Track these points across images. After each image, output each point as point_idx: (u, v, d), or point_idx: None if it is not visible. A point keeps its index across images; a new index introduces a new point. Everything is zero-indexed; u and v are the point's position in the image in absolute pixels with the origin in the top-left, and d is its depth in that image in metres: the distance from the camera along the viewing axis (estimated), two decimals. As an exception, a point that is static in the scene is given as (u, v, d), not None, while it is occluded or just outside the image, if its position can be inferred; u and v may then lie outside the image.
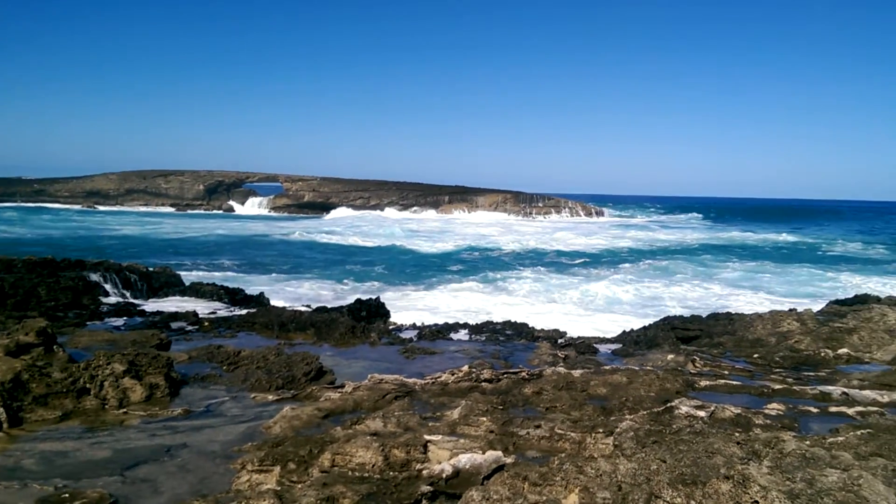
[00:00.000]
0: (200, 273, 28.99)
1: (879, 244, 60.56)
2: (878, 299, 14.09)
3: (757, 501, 3.24)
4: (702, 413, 5.33)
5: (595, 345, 10.78)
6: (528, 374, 7.20)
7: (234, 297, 14.76)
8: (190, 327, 10.70)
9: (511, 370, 7.44)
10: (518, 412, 5.99)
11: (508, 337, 11.55)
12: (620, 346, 10.90)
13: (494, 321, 13.36)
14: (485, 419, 5.50)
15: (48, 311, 10.78)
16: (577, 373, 7.22)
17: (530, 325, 13.02)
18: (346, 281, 30.48)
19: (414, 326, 12.50)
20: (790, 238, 64.79)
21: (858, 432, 4.32)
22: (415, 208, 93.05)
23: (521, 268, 37.80)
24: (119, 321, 10.90)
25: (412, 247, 49.62)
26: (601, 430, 5.21)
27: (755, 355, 9.40)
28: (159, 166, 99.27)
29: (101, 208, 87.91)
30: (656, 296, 27.89)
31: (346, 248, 47.87)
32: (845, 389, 6.86)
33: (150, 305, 12.98)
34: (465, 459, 4.57)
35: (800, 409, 6.14)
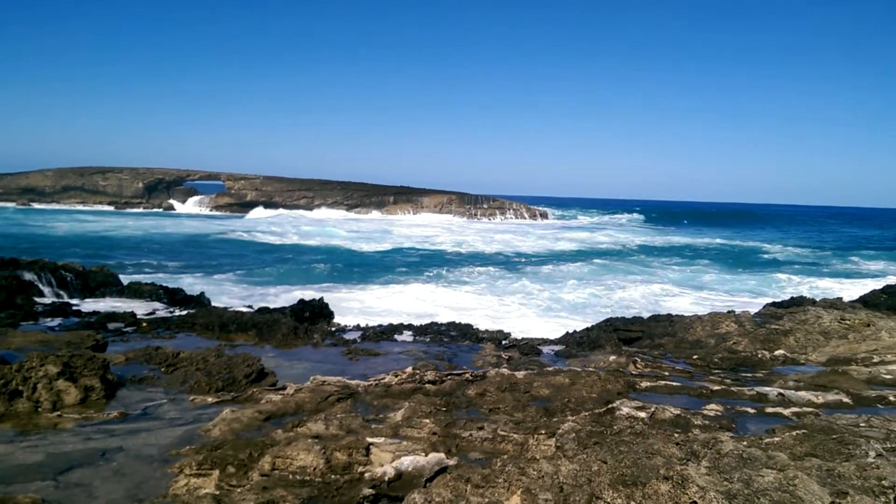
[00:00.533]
0: (140, 274, 28.30)
1: (817, 248, 62.71)
2: (813, 301, 14.55)
3: (695, 502, 3.30)
4: (642, 414, 5.41)
5: (538, 346, 10.87)
6: (471, 375, 7.21)
7: (174, 297, 14.44)
8: (127, 328, 10.42)
9: (455, 371, 7.44)
10: (461, 414, 6.00)
11: (453, 338, 11.56)
12: (563, 347, 11.01)
13: (439, 322, 13.35)
14: (428, 421, 5.49)
15: (-23, 310, 10.36)
16: (520, 374, 7.26)
17: (475, 327, 13.06)
18: (289, 281, 30.13)
19: (358, 328, 12.41)
20: (730, 241, 66.62)
21: (794, 433, 4.44)
22: (359, 208, 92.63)
23: (466, 269, 37.96)
24: (54, 322, 10.55)
25: (356, 247, 49.42)
26: (543, 432, 5.25)
27: (694, 357, 9.61)
28: (98, 163, 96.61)
29: (37, 206, 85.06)
30: (598, 297, 28.32)
31: (289, 248, 47.35)
32: (781, 390, 7.06)
33: (87, 305, 12.59)
34: (407, 462, 4.55)
35: (737, 409, 6.29)
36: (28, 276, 13.48)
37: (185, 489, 4.48)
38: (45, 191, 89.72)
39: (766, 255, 53.69)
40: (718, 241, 67.00)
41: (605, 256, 48.56)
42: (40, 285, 13.71)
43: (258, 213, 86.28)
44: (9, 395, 6.10)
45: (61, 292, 13.99)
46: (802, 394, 6.98)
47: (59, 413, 6.06)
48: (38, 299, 12.48)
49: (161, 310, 12.61)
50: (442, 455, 4.68)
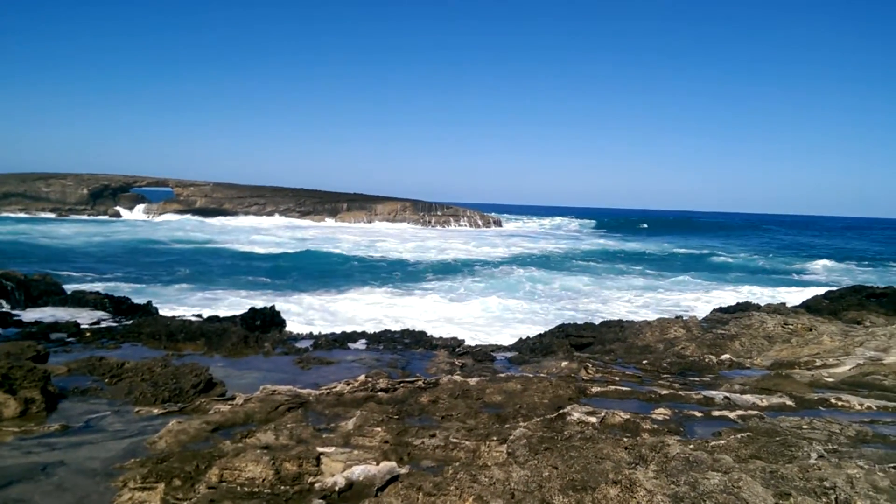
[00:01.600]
0: (84, 283, 27.60)
1: (761, 255, 64.30)
2: (758, 307, 14.91)
3: (643, 505, 3.34)
4: (593, 419, 5.47)
5: (492, 353, 10.90)
6: (424, 382, 7.19)
7: (120, 306, 14.09)
8: (70, 338, 10.12)
9: (408, 379, 7.41)
10: (414, 421, 5.98)
11: (406, 345, 11.52)
12: (517, 353, 11.07)
13: (392, 330, 13.30)
14: (380, 429, 5.45)
15: None
16: (473, 381, 7.27)
17: (428, 334, 13.04)
18: (240, 289, 29.72)
19: (310, 336, 12.28)
20: (680, 248, 67.88)
21: (739, 435, 4.53)
22: (312, 215, 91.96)
23: (421, 276, 37.95)
24: (-9, 332, 10.19)
25: (313, 252, 48.97)
26: (495, 438, 5.25)
27: (644, 361, 9.75)
28: (40, 169, 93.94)
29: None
30: (551, 303, 28.58)
31: (241, 255, 46.73)
32: (727, 394, 7.20)
33: (28, 315, 12.20)
34: (358, 471, 4.51)
35: (685, 413, 6.40)
36: (-35, 285, 13.02)
37: (129, 503, 4.36)
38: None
39: (715, 261, 54.94)
40: (670, 247, 68.33)
41: (559, 262, 49.07)
42: (-22, 295, 13.24)
43: (203, 220, 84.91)
44: (-57, 409, 5.87)
45: (1, 301, 13.55)
46: (747, 397, 7.13)
47: (-4, 427, 5.85)
48: (-25, 309, 12.05)
49: (106, 319, 12.29)
50: (394, 464, 4.65)
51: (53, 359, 8.30)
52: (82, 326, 10.94)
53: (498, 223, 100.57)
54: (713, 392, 7.34)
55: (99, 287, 21.36)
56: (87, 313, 12.69)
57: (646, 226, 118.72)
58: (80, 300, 13.94)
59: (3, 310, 12.68)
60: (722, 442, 4.39)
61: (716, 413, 6.45)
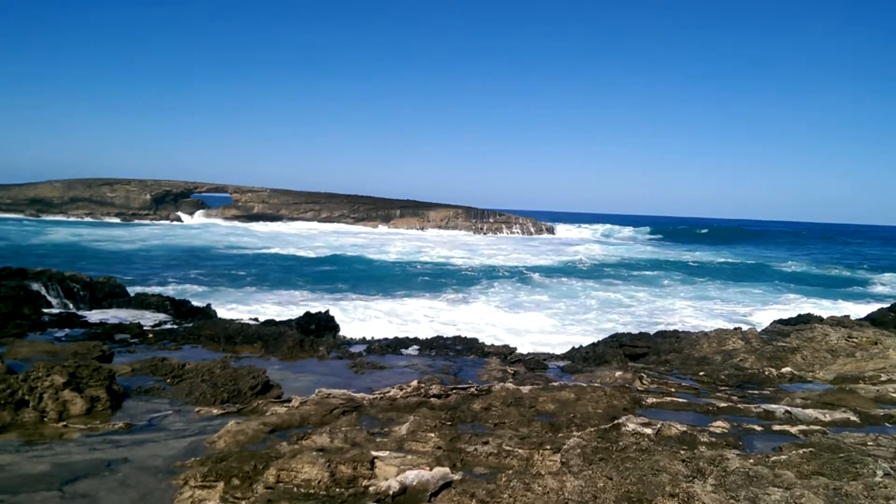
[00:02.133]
0: (147, 285, 28.37)
1: (825, 266, 62.41)
2: (820, 319, 14.49)
3: (701, 518, 3.28)
4: (648, 430, 5.39)
5: (544, 361, 10.84)
6: (477, 389, 7.20)
7: (180, 308, 14.46)
8: (134, 339, 10.43)
9: (460, 386, 7.42)
10: (466, 428, 5.98)
11: (458, 352, 11.53)
12: (569, 362, 10.98)
13: (445, 336, 13.33)
14: (433, 435, 5.48)
15: (-15, 320, 10.40)
16: (525, 389, 7.25)
17: (480, 341, 13.03)
18: (296, 293, 30.18)
19: (363, 341, 12.40)
20: (738, 258, 66.32)
21: (801, 451, 4.42)
22: (365, 221, 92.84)
23: (471, 282, 37.95)
24: (61, 332, 10.57)
25: (366, 258, 49.43)
26: (549, 447, 5.23)
27: (701, 373, 9.57)
28: (106, 174, 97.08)
29: (45, 217, 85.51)
30: (604, 311, 28.26)
31: (295, 259, 47.43)
32: (788, 408, 7.02)
33: (94, 316, 12.62)
34: (412, 476, 4.53)
35: (744, 427, 6.26)
36: (35, 286, 13.53)
37: (189, 501, 4.47)
38: (54, 202, 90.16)
39: (775, 273, 53.53)
40: (728, 257, 66.81)
41: (609, 270, 48.53)
42: (48, 296, 13.76)
43: (260, 226, 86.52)
44: (15, 405, 6.12)
45: (68, 303, 14.04)
46: (809, 412, 6.94)
47: (64, 423, 6.07)
48: (45, 310, 12.52)
49: (167, 321, 12.63)
50: (447, 469, 4.67)
51: (118, 359, 8.57)
52: (145, 328, 11.27)
53: (550, 230, 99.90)
54: (773, 406, 7.16)
55: (160, 290, 21.97)
56: (150, 315, 13.06)
57: (705, 231, 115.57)
58: (142, 302, 14.35)
59: (71, 311, 13.14)
60: (783, 457, 4.28)
61: (776, 427, 6.30)
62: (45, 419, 6.11)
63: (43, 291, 13.58)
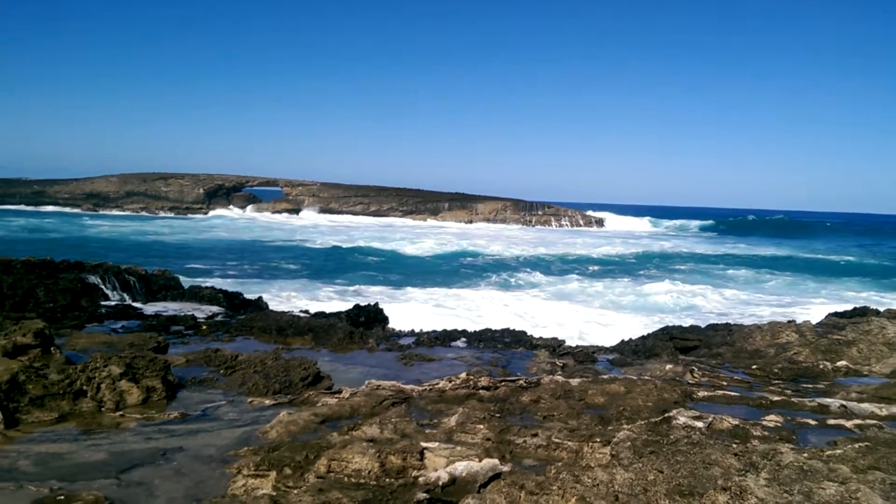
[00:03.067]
0: (200, 277, 28.97)
1: (881, 257, 60.48)
2: (877, 312, 14.07)
3: (754, 513, 3.23)
4: (700, 424, 5.31)
5: (593, 354, 10.76)
6: (525, 382, 7.18)
7: (233, 301, 14.74)
8: (188, 331, 10.68)
9: (509, 378, 7.42)
10: (515, 420, 5.98)
11: (507, 344, 11.52)
12: (618, 355, 10.88)
13: (493, 329, 13.33)
14: (482, 427, 5.49)
15: (46, 312, 10.75)
16: (574, 381, 7.21)
17: (528, 333, 13.00)
18: (344, 285, 30.48)
19: (412, 333, 12.48)
20: (792, 250, 64.68)
21: (856, 445, 4.31)
22: (413, 214, 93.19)
23: (523, 274, 37.81)
24: (117, 324, 10.87)
25: (412, 252, 49.65)
26: (598, 440, 5.19)
27: (753, 366, 9.38)
28: (159, 169, 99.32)
29: (101, 211, 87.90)
30: (654, 304, 27.89)
31: (344, 251, 47.84)
32: (844, 402, 6.84)
33: (149, 308, 12.95)
34: (461, 467, 4.56)
35: (798, 421, 6.12)
36: (92, 279, 13.94)
37: (243, 489, 4.57)
38: (110, 196, 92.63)
39: (832, 264, 52.08)
40: (780, 250, 65.23)
41: (658, 262, 47.87)
42: (104, 288, 14.15)
43: (309, 216, 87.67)
44: (73, 395, 6.32)
45: (124, 295, 14.42)
46: (865, 406, 6.75)
47: (121, 413, 6.25)
48: (102, 302, 12.88)
49: (220, 313, 12.88)
50: (496, 461, 4.68)
51: (172, 350, 8.78)
52: (199, 320, 11.52)
53: (600, 223, 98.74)
54: (828, 399, 6.98)
55: (212, 282, 22.41)
56: (203, 307, 13.33)
57: (755, 220, 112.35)
58: (196, 295, 14.66)
59: (126, 303, 13.51)
60: (838, 451, 4.18)
61: (831, 421, 6.15)
62: (103, 409, 6.30)
63: (100, 284, 13.97)
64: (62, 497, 4.36)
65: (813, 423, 6.10)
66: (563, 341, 12.73)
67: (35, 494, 4.39)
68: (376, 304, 14.25)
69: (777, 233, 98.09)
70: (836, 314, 14.70)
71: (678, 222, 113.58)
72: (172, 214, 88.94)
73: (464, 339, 11.87)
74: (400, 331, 12.99)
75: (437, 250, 51.61)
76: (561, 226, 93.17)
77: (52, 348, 7.00)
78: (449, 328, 13.57)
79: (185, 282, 17.42)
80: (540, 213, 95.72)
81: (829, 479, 3.45)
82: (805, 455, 3.79)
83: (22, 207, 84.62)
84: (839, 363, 9.54)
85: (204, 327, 10.95)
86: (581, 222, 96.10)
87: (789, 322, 12.50)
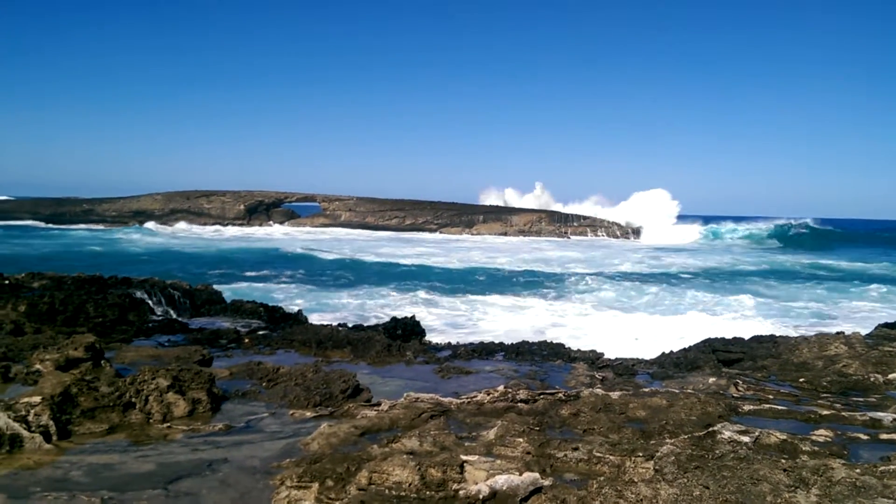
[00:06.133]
0: (239, 282, 29.35)
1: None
2: (929, 323, 13.69)
3: (804, 530, 3.16)
4: (746, 438, 5.22)
5: (633, 367, 10.65)
6: (564, 395, 7.14)
7: (273, 314, 14.90)
8: (231, 344, 10.83)
9: (548, 391, 7.38)
10: (555, 434, 5.94)
11: (544, 357, 11.45)
12: (659, 368, 10.74)
13: (530, 341, 13.27)
14: (521, 440, 5.46)
15: (96, 326, 11.00)
16: (615, 395, 7.14)
17: (566, 346, 12.91)
18: (382, 298, 30.64)
19: (449, 345, 12.48)
20: (840, 262, 62.83)
21: (910, 461, 4.19)
22: (448, 227, 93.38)
23: (557, 287, 37.60)
24: (163, 337, 11.08)
25: (448, 265, 49.69)
26: (641, 454, 5.13)
27: (801, 379, 9.20)
28: (202, 187, 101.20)
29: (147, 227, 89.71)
30: (693, 317, 27.47)
31: (381, 266, 48.09)
32: None
33: (193, 322, 13.17)
34: (502, 480, 4.54)
35: (849, 435, 5.99)
36: (139, 294, 14.21)
37: (286, 500, 4.62)
38: (155, 213, 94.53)
39: (875, 275, 50.67)
40: (823, 260, 63.60)
41: (705, 276, 47.18)
42: (150, 303, 14.41)
43: (346, 233, 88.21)
44: (123, 407, 6.45)
45: (169, 309, 14.68)
46: (920, 420, 6.57)
47: (168, 424, 6.36)
48: (149, 316, 13.13)
49: (261, 327, 13.04)
50: (537, 475, 4.65)
51: (217, 363, 8.91)
52: (241, 333, 11.67)
53: (637, 233, 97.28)
54: (881, 413, 6.81)
55: (252, 292, 22.71)
56: (245, 321, 13.50)
57: (804, 229, 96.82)
58: (238, 309, 14.86)
59: (172, 317, 13.75)
60: (892, 467, 4.07)
61: (884, 436, 6.00)
62: (151, 420, 6.42)
63: (146, 299, 14.24)
64: (112, 507, 4.45)
65: (865, 437, 5.96)
66: (602, 354, 12.61)
67: (86, 504, 4.49)
68: (413, 316, 14.29)
69: (811, 243, 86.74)
70: (886, 325, 14.34)
71: (737, 227, 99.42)
72: (213, 230, 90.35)
73: (501, 353, 11.83)
74: (437, 343, 13.01)
75: (482, 266, 51.36)
76: (597, 236, 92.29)
77: (102, 361, 7.17)
78: (486, 341, 13.53)
79: (225, 291, 17.65)
80: (575, 223, 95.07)
81: (883, 496, 3.37)
82: (857, 471, 3.70)
83: (70, 227, 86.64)
84: (891, 375, 9.30)
85: (247, 340, 11.10)
86: (618, 233, 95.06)
87: (838, 333, 12.22)
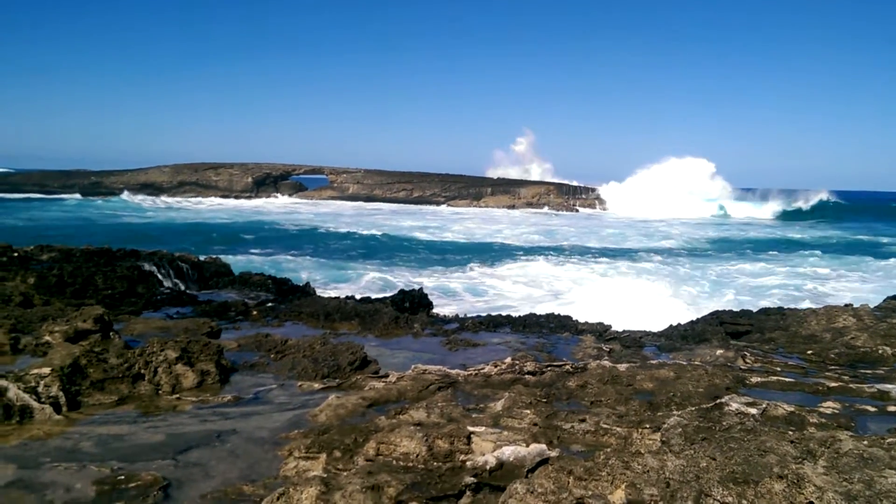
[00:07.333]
0: (251, 259, 29.42)
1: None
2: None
3: (812, 502, 3.16)
4: (753, 410, 5.21)
5: (641, 339, 10.64)
6: (572, 367, 7.14)
7: (281, 286, 14.93)
8: (239, 316, 10.86)
9: (555, 363, 7.39)
10: (562, 405, 5.96)
11: (552, 329, 11.45)
12: (667, 340, 10.74)
13: (537, 314, 13.26)
14: (528, 412, 5.48)
15: (105, 299, 11.04)
16: (622, 367, 7.14)
17: (574, 318, 12.90)
18: (389, 271, 30.69)
19: (456, 318, 12.48)
20: (848, 233, 62.60)
21: (918, 433, 4.18)
22: (456, 199, 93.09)
23: (570, 258, 37.56)
24: (172, 310, 11.11)
25: (458, 238, 49.66)
26: (648, 426, 5.14)
27: (809, 352, 9.18)
28: (210, 159, 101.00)
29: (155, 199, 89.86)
30: (700, 290, 27.45)
31: (388, 238, 48.09)
32: (904, 388, 6.66)
33: (202, 294, 13.21)
34: (508, 452, 4.56)
35: (857, 407, 5.98)
36: (148, 266, 14.24)
37: (294, 471, 4.65)
38: (163, 186, 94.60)
39: (886, 248, 50.44)
40: (835, 232, 63.34)
41: (711, 248, 47.06)
42: (159, 275, 14.45)
43: (353, 206, 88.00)
44: (132, 379, 6.50)
45: (178, 282, 14.72)
46: (929, 393, 6.55)
47: (177, 396, 6.41)
48: (157, 288, 13.17)
49: (269, 299, 13.06)
50: (543, 446, 4.67)
51: (225, 335, 8.95)
52: (249, 305, 11.70)
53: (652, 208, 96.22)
54: (888, 386, 6.80)
55: (260, 264, 22.74)
56: (253, 293, 13.54)
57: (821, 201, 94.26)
58: (246, 281, 14.89)
59: (180, 289, 13.80)
60: (900, 440, 4.06)
61: (892, 408, 5.99)
62: (160, 392, 6.46)
63: (155, 271, 14.28)
64: (122, 477, 4.49)
65: (872, 409, 5.95)
66: (609, 326, 12.59)
67: (97, 474, 4.54)
68: (420, 289, 14.29)
69: (833, 214, 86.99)
70: (894, 297, 14.27)
71: (753, 205, 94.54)
72: (220, 202, 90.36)
73: (508, 325, 11.84)
74: (444, 316, 13.02)
75: (493, 239, 51.30)
76: (605, 209, 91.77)
77: (111, 333, 7.22)
78: (493, 313, 13.54)
79: (234, 262, 17.70)
80: (584, 196, 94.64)
81: (890, 468, 3.35)
82: (865, 442, 3.69)
83: (78, 197, 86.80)
84: (899, 348, 9.27)
85: (254, 313, 11.12)
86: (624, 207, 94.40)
87: (846, 306, 12.17)
